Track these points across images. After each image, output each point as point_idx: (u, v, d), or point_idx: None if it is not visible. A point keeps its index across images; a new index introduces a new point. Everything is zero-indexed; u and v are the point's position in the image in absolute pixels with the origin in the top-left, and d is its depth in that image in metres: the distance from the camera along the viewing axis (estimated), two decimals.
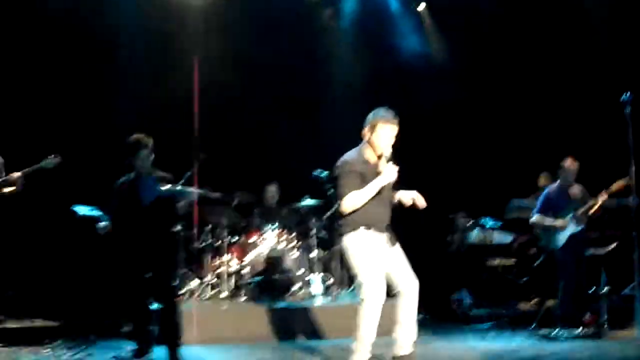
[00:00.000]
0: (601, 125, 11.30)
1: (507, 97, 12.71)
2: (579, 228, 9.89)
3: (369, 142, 7.09)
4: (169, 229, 8.41)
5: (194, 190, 8.36)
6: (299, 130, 12.56)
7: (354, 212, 6.98)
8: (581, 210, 9.86)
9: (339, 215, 7.16)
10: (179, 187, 8.08)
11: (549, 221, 10.05)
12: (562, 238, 9.95)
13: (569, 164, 10.04)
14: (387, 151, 6.99)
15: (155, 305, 8.29)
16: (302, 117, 12.65)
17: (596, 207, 9.75)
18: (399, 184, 7.30)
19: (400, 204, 7.31)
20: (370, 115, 7.09)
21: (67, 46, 11.51)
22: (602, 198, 9.71)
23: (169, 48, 11.94)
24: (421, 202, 7.22)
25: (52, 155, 9.20)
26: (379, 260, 7.00)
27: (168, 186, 7.97)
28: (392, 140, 7.03)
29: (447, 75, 13.03)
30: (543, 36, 12.55)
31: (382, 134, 7.00)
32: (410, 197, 7.23)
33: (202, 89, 11.89)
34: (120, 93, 11.55)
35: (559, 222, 9.97)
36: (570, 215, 9.90)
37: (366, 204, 6.96)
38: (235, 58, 12.36)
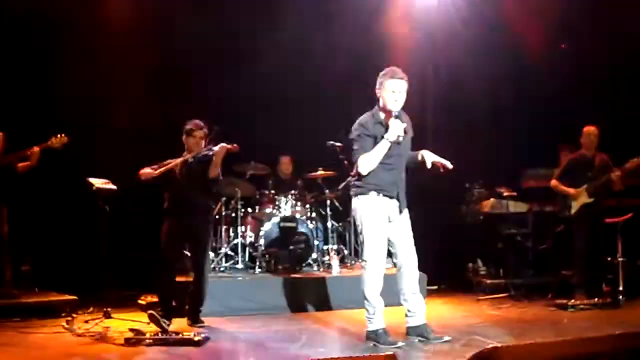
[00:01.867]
0: (623, 96, 11.20)
1: (524, 68, 12.57)
2: (592, 199, 9.85)
3: (380, 101, 7.16)
4: (210, 201, 8.75)
5: (223, 145, 8.51)
6: (313, 100, 12.48)
7: (367, 176, 7.08)
8: (595, 182, 9.82)
9: (357, 178, 7.23)
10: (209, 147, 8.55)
11: (563, 188, 10.04)
12: (574, 206, 9.93)
13: (588, 131, 10.01)
14: (396, 107, 7.04)
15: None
16: (316, 87, 12.54)
17: (614, 182, 9.71)
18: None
19: (422, 164, 7.30)
20: (380, 74, 7.19)
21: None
22: (616, 175, 9.67)
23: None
24: (447, 164, 7.25)
25: (60, 135, 9.19)
26: (384, 226, 7.16)
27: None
28: (401, 96, 7.10)
29: (464, 44, 12.88)
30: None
31: (388, 89, 7.07)
32: (433, 160, 7.24)
33: (214, 59, 11.94)
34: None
35: (571, 191, 9.96)
36: (585, 185, 9.86)
37: (378, 168, 7.06)
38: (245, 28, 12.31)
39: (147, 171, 8.35)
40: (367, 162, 7.00)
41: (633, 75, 9.00)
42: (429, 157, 7.27)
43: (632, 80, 9.04)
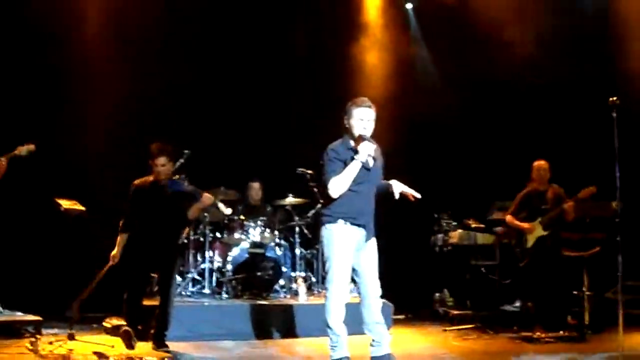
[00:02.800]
0: (588, 128, 11.31)
1: (494, 100, 12.70)
2: (546, 232, 9.89)
3: (348, 129, 7.18)
4: (180, 229, 8.71)
5: (211, 197, 8.65)
6: (285, 126, 12.54)
7: (335, 203, 7.05)
8: (548, 214, 9.88)
9: (326, 204, 7.21)
10: (197, 189, 8.54)
11: (517, 223, 10.11)
12: (530, 240, 9.98)
13: (537, 165, 10.08)
14: (365, 133, 7.07)
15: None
16: (287, 113, 12.62)
17: (567, 212, 9.75)
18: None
19: (390, 194, 7.36)
20: (347, 104, 7.23)
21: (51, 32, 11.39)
22: (569, 205, 9.72)
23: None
24: (415, 194, 7.32)
25: (26, 143, 9.07)
26: (350, 255, 7.11)
27: (187, 186, 8.48)
28: (369, 124, 7.13)
29: (435, 79, 13.04)
30: (529, 36, 12.53)
31: (356, 117, 7.10)
32: (401, 190, 7.32)
33: (185, 84, 11.95)
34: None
35: (525, 225, 10.02)
36: (539, 218, 9.93)
37: (347, 195, 7.01)
38: (219, 52, 12.37)
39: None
40: (338, 184, 6.96)
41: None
42: (397, 187, 7.34)
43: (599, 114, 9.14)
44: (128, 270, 8.32)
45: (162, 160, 8.39)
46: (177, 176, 8.54)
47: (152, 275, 8.96)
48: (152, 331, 8.56)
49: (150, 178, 8.51)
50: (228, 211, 8.99)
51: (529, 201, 10.14)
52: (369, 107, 7.14)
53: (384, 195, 7.39)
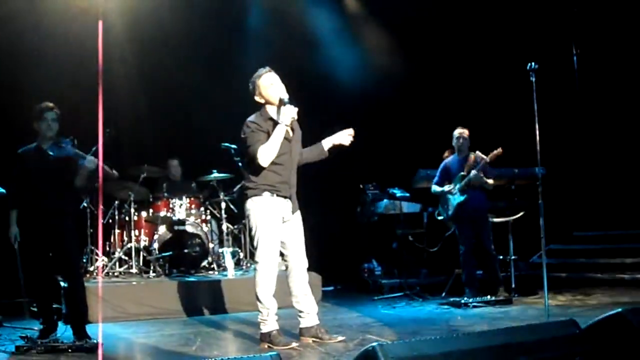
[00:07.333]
0: (508, 94, 11.43)
1: (416, 68, 12.76)
2: (462, 197, 9.92)
3: (263, 102, 7.19)
4: (70, 198, 8.09)
5: (95, 160, 7.66)
6: (208, 101, 12.43)
7: (260, 176, 7.08)
8: (463, 179, 9.92)
9: (250, 177, 7.18)
10: (82, 153, 7.69)
11: (439, 189, 10.16)
12: (450, 207, 10.03)
13: (457, 133, 10.12)
14: (284, 95, 7.08)
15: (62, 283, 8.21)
16: (210, 89, 12.51)
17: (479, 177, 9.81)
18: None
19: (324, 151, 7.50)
20: (251, 80, 7.24)
21: None
22: (472, 169, 9.77)
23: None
24: (348, 136, 7.51)
25: None
26: (277, 227, 7.15)
27: (73, 149, 7.63)
28: (280, 86, 7.15)
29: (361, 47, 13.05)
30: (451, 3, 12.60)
31: (266, 85, 7.13)
32: (333, 141, 7.48)
33: (106, 62, 11.71)
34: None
35: (446, 189, 10.07)
36: (457, 185, 9.97)
37: (271, 167, 7.05)
38: (141, 29, 12.17)
39: None
40: (266, 152, 6.95)
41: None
42: (329, 141, 7.46)
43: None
44: (23, 254, 7.77)
45: (52, 114, 7.73)
46: (68, 139, 7.67)
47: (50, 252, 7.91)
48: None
49: (34, 144, 7.84)
50: (116, 174, 8.54)
51: (450, 170, 10.18)
52: (270, 71, 7.21)
53: (319, 156, 7.54)
